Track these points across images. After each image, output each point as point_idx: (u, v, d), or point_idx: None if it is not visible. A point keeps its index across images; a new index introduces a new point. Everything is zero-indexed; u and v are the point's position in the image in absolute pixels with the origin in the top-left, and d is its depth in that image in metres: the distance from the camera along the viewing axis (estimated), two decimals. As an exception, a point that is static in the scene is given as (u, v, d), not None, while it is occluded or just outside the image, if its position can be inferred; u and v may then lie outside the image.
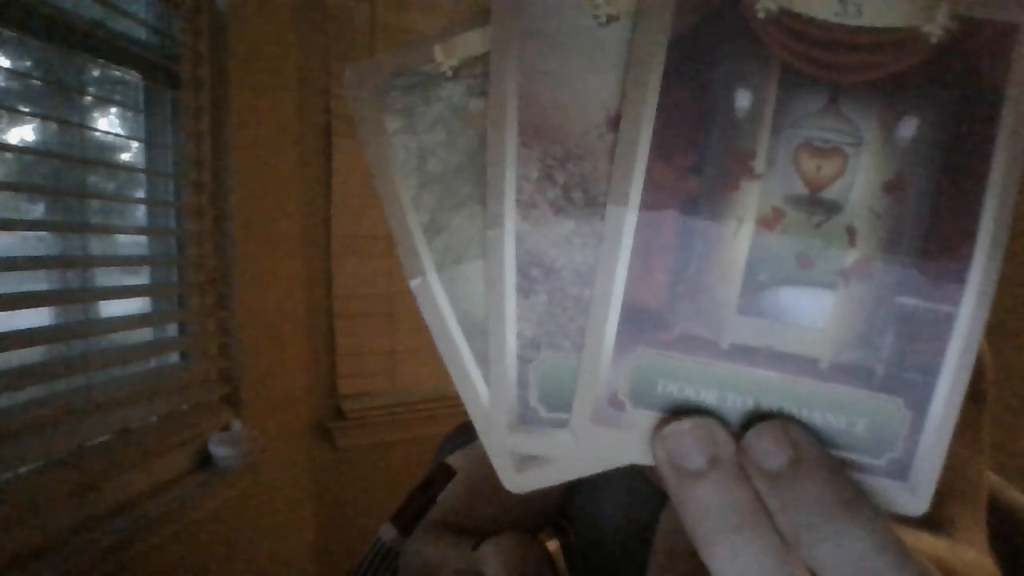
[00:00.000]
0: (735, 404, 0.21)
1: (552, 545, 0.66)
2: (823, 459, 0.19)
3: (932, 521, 0.35)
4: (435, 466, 0.59)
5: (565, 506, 0.62)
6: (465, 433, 0.65)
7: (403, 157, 0.23)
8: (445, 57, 0.22)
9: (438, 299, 0.22)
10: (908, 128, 0.20)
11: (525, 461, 0.22)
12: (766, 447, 0.19)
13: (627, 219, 0.21)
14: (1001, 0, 0.20)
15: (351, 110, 0.23)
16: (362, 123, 0.23)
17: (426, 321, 0.22)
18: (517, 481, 0.22)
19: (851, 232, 0.21)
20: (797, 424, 0.20)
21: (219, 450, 1.31)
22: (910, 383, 0.20)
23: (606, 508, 0.56)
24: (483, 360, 0.22)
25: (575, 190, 0.21)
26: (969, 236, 0.20)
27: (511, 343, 0.22)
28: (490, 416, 0.22)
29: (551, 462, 0.22)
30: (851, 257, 0.21)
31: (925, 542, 0.36)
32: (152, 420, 1.21)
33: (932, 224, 0.20)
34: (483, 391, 0.22)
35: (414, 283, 0.22)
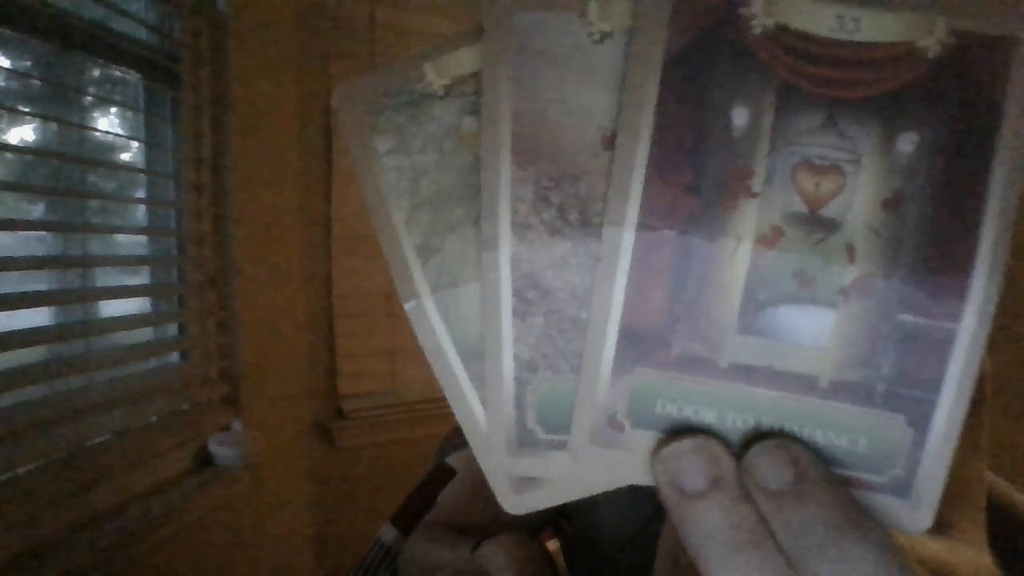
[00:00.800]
0: (735, 423, 0.20)
1: (552, 545, 0.66)
2: (825, 477, 0.19)
3: None
4: (435, 466, 0.59)
5: (565, 506, 0.62)
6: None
7: (395, 178, 0.22)
8: (436, 76, 0.22)
9: (433, 322, 0.22)
10: (907, 144, 0.20)
11: (523, 483, 0.22)
12: (768, 466, 0.19)
13: (624, 239, 0.20)
14: (1000, 14, 0.20)
15: (342, 131, 0.22)
16: (353, 144, 0.22)
17: (421, 344, 0.22)
18: (516, 503, 0.22)
19: (850, 250, 0.20)
20: (798, 443, 0.20)
21: (219, 450, 1.31)
22: (911, 400, 0.20)
23: (605, 508, 0.56)
24: (480, 383, 0.22)
25: (571, 211, 0.21)
26: (969, 252, 0.20)
27: (508, 365, 0.21)
28: (488, 438, 0.22)
29: (550, 483, 0.22)
30: (851, 275, 0.20)
31: (925, 544, 0.35)
32: (152, 420, 1.21)
33: (932, 240, 0.20)
34: (480, 414, 0.22)
35: (408, 306, 0.22)
